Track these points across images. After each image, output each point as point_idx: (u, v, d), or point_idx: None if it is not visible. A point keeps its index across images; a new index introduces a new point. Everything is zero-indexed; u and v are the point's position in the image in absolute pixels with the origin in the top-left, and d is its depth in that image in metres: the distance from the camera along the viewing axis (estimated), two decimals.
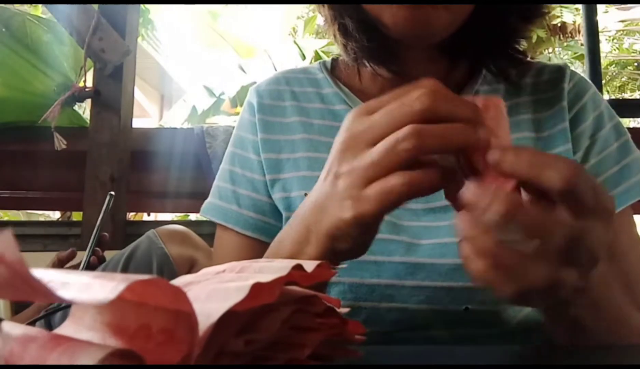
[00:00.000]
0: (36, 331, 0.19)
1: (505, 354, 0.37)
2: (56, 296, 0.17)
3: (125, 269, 0.58)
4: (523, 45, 0.60)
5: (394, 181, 0.32)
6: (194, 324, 0.18)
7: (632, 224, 0.56)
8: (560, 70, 0.61)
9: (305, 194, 0.57)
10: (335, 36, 0.60)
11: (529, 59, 0.62)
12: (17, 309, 1.07)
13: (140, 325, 0.18)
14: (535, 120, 0.58)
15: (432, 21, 0.50)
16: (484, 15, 0.54)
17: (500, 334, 0.52)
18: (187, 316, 0.18)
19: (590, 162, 0.56)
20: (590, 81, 0.63)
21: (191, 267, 0.66)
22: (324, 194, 0.36)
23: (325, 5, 0.59)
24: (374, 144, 0.33)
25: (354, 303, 0.52)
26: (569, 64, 0.64)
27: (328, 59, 0.69)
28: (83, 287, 0.18)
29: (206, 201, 0.63)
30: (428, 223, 0.55)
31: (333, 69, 0.67)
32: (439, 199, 0.54)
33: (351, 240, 0.35)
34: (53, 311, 0.77)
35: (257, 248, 0.58)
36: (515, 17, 0.56)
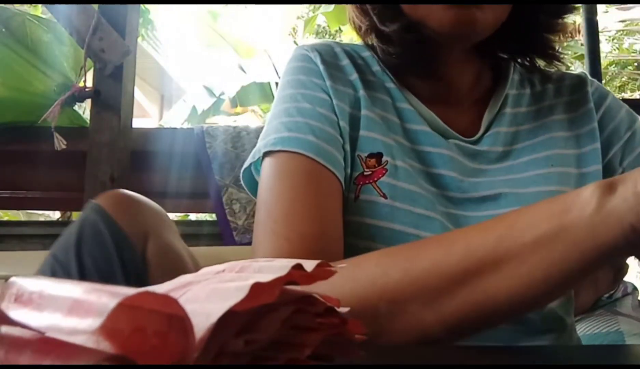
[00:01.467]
0: (30, 334, 0.19)
1: (506, 354, 0.37)
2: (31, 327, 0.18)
3: (79, 258, 0.54)
4: (555, 41, 0.62)
5: None
6: (188, 328, 0.18)
7: None
8: (580, 77, 0.65)
9: (359, 156, 0.55)
10: (372, 44, 0.60)
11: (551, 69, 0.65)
12: None
13: (135, 328, 0.18)
14: (564, 120, 0.61)
15: (478, 21, 0.51)
16: (517, 13, 0.56)
17: (525, 331, 0.53)
18: (181, 320, 0.18)
19: (635, 153, 0.59)
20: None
21: (145, 241, 0.59)
22: None
23: (361, 13, 0.60)
24: None
25: None
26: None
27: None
28: (70, 307, 0.18)
29: (270, 138, 0.55)
30: (465, 212, 0.56)
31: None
32: (477, 190, 0.56)
33: None
34: None
35: (332, 180, 0.53)
36: (545, 14, 0.59)
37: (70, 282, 0.20)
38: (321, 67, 0.59)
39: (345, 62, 0.61)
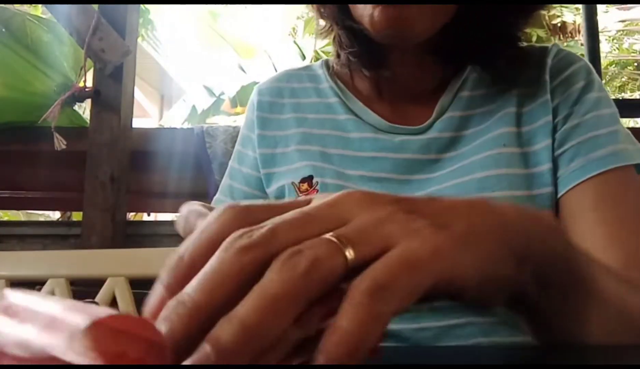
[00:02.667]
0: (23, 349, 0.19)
1: (506, 354, 0.37)
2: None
3: None
4: (518, 45, 0.59)
5: None
6: (165, 355, 0.19)
7: (630, 185, 0.53)
8: (545, 49, 0.61)
9: (292, 183, 0.60)
10: (332, 43, 0.63)
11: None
12: None
13: (118, 352, 0.18)
14: (518, 114, 0.58)
15: (408, 21, 0.50)
16: (469, 14, 0.54)
17: (499, 322, 0.51)
18: (158, 346, 0.19)
19: (572, 123, 0.55)
20: (582, 58, 0.61)
21: None
22: None
23: (321, 16, 0.62)
24: None
25: None
26: (557, 44, 0.63)
27: (331, 58, 0.70)
28: (46, 324, 0.19)
29: (214, 197, 0.68)
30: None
31: (334, 67, 0.68)
32: (423, 188, 0.57)
33: None
34: None
35: None
36: (500, 17, 0.56)
37: (54, 299, 0.20)
38: (256, 114, 0.66)
39: (286, 100, 0.66)
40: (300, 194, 0.59)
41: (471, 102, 0.60)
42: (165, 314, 0.21)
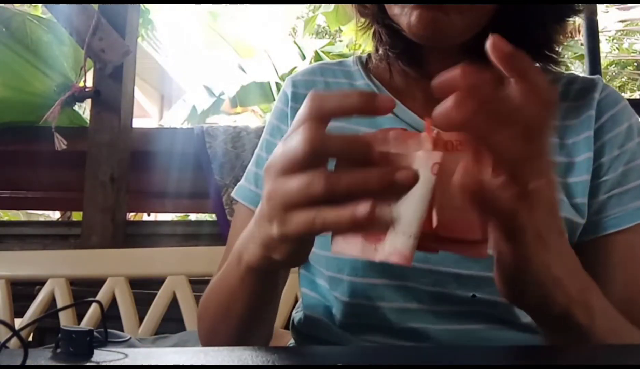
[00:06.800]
0: None
1: (506, 354, 0.37)
2: None
3: None
4: (556, 51, 0.60)
5: (313, 215, 0.33)
6: None
7: None
8: (592, 81, 0.62)
9: None
10: (372, 39, 0.63)
11: (563, 70, 0.63)
12: (17, 310, 1.07)
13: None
14: (561, 127, 0.59)
15: (444, 24, 0.51)
16: (507, 16, 0.54)
17: (508, 331, 0.54)
18: None
19: (616, 171, 0.56)
20: (622, 95, 0.62)
21: None
22: (259, 209, 0.39)
23: (361, 15, 0.62)
24: (292, 171, 0.34)
25: (364, 280, 0.54)
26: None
27: (364, 54, 0.70)
28: None
29: (238, 184, 0.67)
30: None
31: (367, 63, 0.68)
32: None
33: (284, 252, 0.37)
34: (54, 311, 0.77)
35: None
36: (538, 19, 0.56)
37: None
38: (290, 105, 0.64)
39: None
40: None
41: None
42: None
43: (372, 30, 0.63)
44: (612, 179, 0.56)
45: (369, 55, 0.69)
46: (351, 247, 0.35)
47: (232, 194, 0.66)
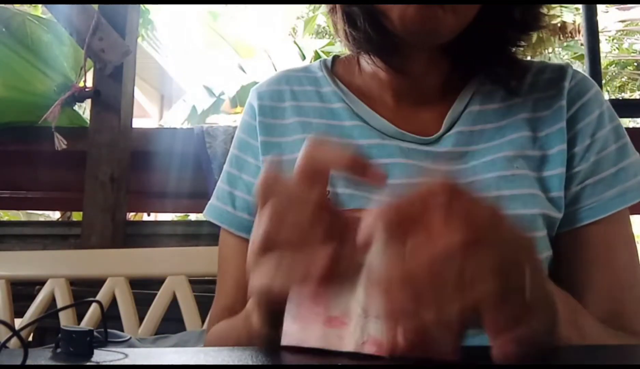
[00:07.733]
0: None
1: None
2: None
3: None
4: (521, 51, 0.59)
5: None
6: None
7: (627, 225, 0.56)
8: (561, 69, 0.61)
9: None
10: (336, 25, 0.59)
11: (529, 58, 0.62)
12: (17, 310, 1.07)
13: None
14: (533, 119, 0.58)
15: (440, 22, 0.50)
16: (486, 20, 0.54)
17: None
18: None
19: (589, 161, 0.56)
20: (593, 81, 0.62)
21: None
22: None
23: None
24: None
25: None
26: (570, 64, 0.63)
27: (328, 58, 0.69)
28: None
29: (209, 202, 0.65)
30: None
31: (333, 68, 0.67)
32: None
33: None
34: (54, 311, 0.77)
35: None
36: (513, 25, 0.56)
37: None
38: (258, 120, 0.62)
39: (287, 103, 0.64)
40: None
41: (481, 116, 0.59)
42: None
43: (339, 12, 0.58)
44: (584, 169, 0.55)
45: (334, 58, 0.68)
46: (309, 334, 0.31)
47: (204, 213, 0.64)
